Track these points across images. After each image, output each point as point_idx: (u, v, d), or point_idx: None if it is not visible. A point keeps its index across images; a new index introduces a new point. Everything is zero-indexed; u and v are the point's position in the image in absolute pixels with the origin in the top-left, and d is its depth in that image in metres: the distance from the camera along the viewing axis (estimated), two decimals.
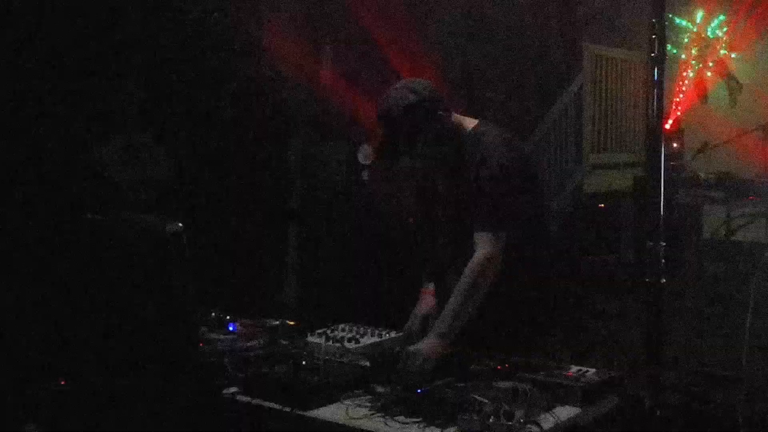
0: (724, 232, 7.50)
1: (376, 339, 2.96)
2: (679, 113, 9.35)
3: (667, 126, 8.97)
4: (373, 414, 2.39)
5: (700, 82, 9.43)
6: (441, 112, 2.99)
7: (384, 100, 2.97)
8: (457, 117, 3.08)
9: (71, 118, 5.46)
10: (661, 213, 2.54)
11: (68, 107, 5.48)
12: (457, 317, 2.83)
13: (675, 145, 8.76)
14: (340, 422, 2.37)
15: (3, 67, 5.26)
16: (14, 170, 5.21)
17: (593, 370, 2.60)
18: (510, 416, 2.21)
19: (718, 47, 9.36)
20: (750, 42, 9.11)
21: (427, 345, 2.76)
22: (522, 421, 2.22)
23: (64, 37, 5.49)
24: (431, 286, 3.26)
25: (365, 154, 6.80)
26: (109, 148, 5.32)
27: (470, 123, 3.10)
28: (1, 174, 5.14)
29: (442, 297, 3.22)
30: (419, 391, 2.41)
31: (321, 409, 2.45)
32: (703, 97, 9.40)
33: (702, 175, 7.71)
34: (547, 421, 2.32)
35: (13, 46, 5.30)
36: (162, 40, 5.89)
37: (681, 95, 9.41)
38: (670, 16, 8.76)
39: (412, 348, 2.74)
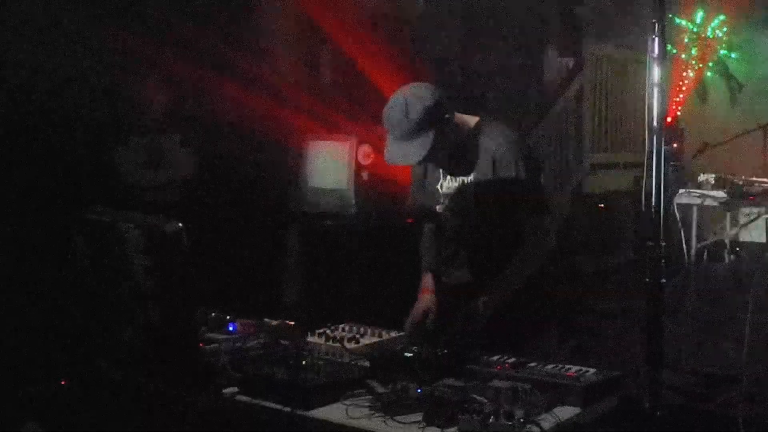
0: (724, 233, 7.50)
1: (376, 339, 2.96)
2: (678, 113, 9.35)
3: (668, 120, 8.99)
4: (373, 414, 2.39)
5: (696, 77, 9.44)
6: (447, 114, 3.01)
7: (393, 105, 2.98)
8: (458, 115, 3.10)
9: (92, 118, 5.47)
10: (661, 213, 2.54)
11: (90, 107, 5.49)
12: (507, 286, 3.02)
13: (675, 145, 8.77)
14: (340, 422, 2.37)
15: (24, 66, 5.26)
16: (21, 170, 5.20)
17: (593, 370, 2.60)
18: (510, 416, 2.21)
19: (718, 47, 9.37)
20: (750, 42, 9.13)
21: (472, 308, 2.95)
22: (522, 421, 2.22)
23: (87, 34, 5.49)
24: (430, 282, 3.27)
25: (365, 154, 6.79)
26: (130, 151, 5.32)
27: (471, 120, 3.13)
28: (5, 173, 5.14)
29: (441, 295, 3.24)
30: (419, 390, 2.41)
31: (321, 409, 2.44)
32: (700, 85, 9.40)
33: (702, 175, 7.72)
34: (547, 421, 2.32)
35: (36, 47, 5.30)
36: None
37: (681, 95, 9.41)
38: (670, 16, 8.76)
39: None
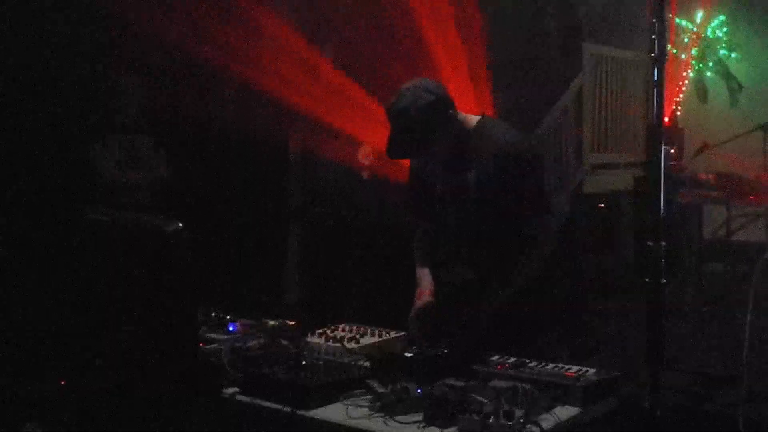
0: (724, 232, 7.51)
1: (376, 339, 2.96)
2: (678, 113, 9.35)
3: (666, 120, 8.98)
4: (373, 414, 2.39)
5: (696, 77, 9.44)
6: (451, 111, 3.02)
7: (398, 99, 2.98)
8: (461, 113, 3.11)
9: (70, 117, 5.45)
10: (661, 213, 2.54)
11: (67, 106, 5.47)
12: (508, 286, 3.03)
13: (675, 145, 8.77)
14: (340, 422, 2.37)
15: (8, 64, 5.25)
16: (14, 169, 5.20)
17: (593, 370, 2.60)
18: (510, 416, 2.21)
19: (718, 47, 9.37)
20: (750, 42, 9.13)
21: (474, 308, 2.98)
22: (522, 421, 2.22)
23: (63, 33, 5.48)
24: (428, 279, 3.27)
25: (365, 154, 6.80)
26: (107, 149, 5.30)
27: (473, 118, 3.14)
28: (1, 173, 5.13)
29: (440, 293, 3.23)
30: (419, 390, 2.41)
31: (321, 409, 2.45)
32: (700, 85, 9.40)
33: (702, 175, 7.73)
34: (547, 421, 2.32)
35: (11, 44, 5.29)
36: (160, 37, 5.87)
37: (681, 95, 9.41)
38: (670, 16, 8.76)
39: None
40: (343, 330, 3.04)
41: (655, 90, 2.57)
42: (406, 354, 2.68)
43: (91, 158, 5.27)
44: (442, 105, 2.99)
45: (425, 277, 3.28)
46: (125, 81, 5.45)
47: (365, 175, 6.83)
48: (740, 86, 9.22)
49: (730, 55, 9.33)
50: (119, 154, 5.32)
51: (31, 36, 5.36)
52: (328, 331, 3.01)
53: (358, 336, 2.96)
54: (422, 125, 2.95)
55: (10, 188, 5.15)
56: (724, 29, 9.34)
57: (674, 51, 9.20)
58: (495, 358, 2.70)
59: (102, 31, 5.69)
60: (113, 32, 5.71)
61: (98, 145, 5.31)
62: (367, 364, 2.65)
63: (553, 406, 2.40)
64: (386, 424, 2.33)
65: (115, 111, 5.38)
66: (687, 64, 9.44)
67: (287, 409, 2.44)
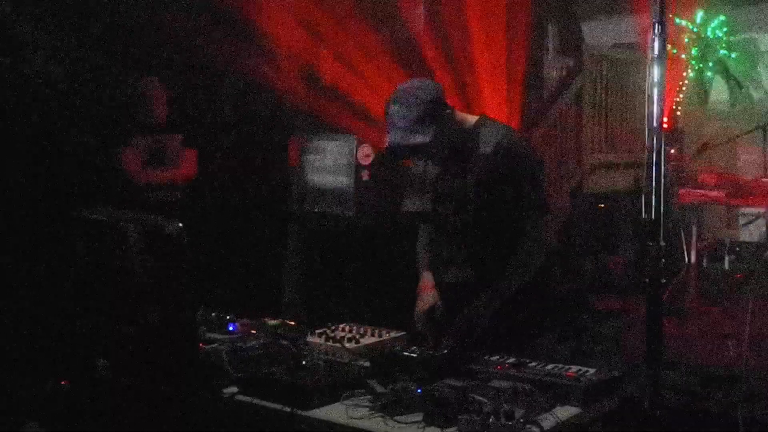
0: (724, 233, 7.51)
1: (376, 339, 2.96)
2: (678, 113, 9.35)
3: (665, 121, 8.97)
4: (373, 414, 2.39)
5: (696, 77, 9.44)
6: (448, 110, 3.02)
7: (395, 99, 2.99)
8: (458, 113, 3.12)
9: (92, 117, 5.46)
10: (661, 213, 2.54)
11: (90, 105, 5.48)
12: (507, 286, 3.01)
13: (675, 145, 8.77)
14: (340, 422, 2.37)
15: (26, 63, 5.25)
16: (23, 169, 5.19)
17: (593, 370, 2.60)
18: (510, 416, 2.21)
19: (718, 47, 9.37)
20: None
21: (473, 308, 2.97)
22: (522, 421, 2.23)
23: (87, 33, 5.49)
24: (430, 278, 3.27)
25: (365, 154, 6.80)
26: (133, 150, 5.30)
27: (471, 118, 3.14)
28: (7, 173, 5.13)
29: (440, 294, 3.23)
30: (419, 390, 2.42)
31: (321, 409, 2.45)
32: (700, 85, 9.40)
33: (702, 175, 7.73)
34: (547, 421, 2.32)
35: (34, 47, 5.30)
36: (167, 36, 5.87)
37: (681, 95, 9.41)
38: (671, 16, 8.77)
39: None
40: (343, 330, 3.04)
41: (655, 90, 2.57)
42: (406, 354, 2.68)
43: (116, 159, 5.27)
44: (439, 105, 3.00)
45: (429, 276, 3.29)
46: (150, 81, 5.46)
47: (365, 175, 6.83)
48: (740, 86, 9.22)
49: (730, 55, 9.33)
50: (145, 154, 5.32)
51: (54, 39, 5.37)
52: (328, 331, 3.01)
53: (358, 336, 2.96)
54: (419, 125, 2.95)
55: (15, 188, 5.15)
56: (724, 29, 9.34)
57: (674, 51, 9.20)
58: (495, 358, 2.70)
59: (126, 31, 5.69)
60: (137, 33, 5.71)
61: (123, 146, 5.31)
62: (367, 364, 2.66)
63: (553, 406, 2.40)
64: (386, 424, 2.33)
65: (141, 112, 5.38)
66: (687, 64, 9.44)
67: (287, 409, 2.45)
